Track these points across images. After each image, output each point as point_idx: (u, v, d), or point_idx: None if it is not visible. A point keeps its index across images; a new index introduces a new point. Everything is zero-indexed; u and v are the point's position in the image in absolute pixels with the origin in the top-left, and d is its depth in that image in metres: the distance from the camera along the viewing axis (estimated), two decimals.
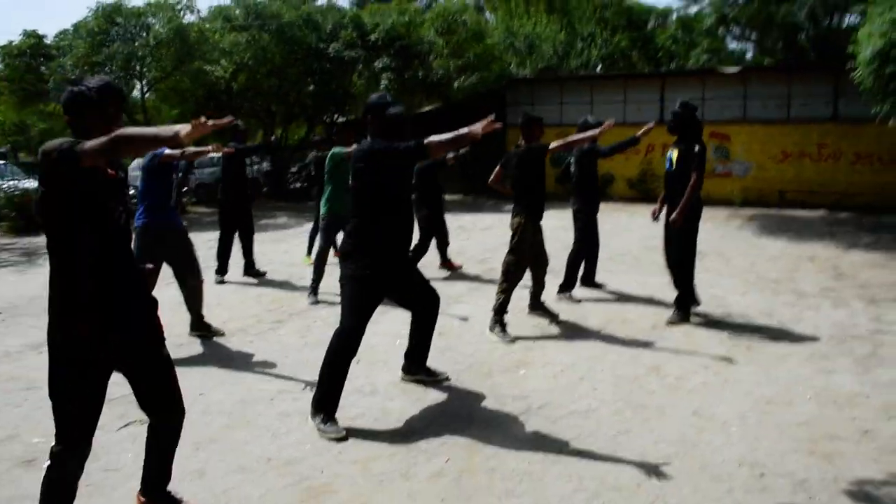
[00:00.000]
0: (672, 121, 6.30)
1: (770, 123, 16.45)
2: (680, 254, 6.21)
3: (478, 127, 3.97)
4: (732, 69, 17.29)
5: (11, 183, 14.98)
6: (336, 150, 7.55)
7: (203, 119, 2.50)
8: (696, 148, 6.06)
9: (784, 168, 16.25)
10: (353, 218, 4.38)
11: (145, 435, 3.76)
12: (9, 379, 5.07)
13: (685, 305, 6.31)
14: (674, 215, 6.02)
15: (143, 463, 3.12)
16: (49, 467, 2.74)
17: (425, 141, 4.02)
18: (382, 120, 4.28)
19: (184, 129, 2.48)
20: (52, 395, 2.73)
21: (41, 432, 4.08)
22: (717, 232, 11.98)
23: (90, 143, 2.50)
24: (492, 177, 6.51)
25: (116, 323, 2.74)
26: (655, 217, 6.59)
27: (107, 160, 2.63)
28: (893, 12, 8.38)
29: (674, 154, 6.19)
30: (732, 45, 23.45)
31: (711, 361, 5.27)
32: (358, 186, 4.30)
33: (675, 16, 26.26)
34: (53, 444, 2.74)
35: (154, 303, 2.98)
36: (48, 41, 17.29)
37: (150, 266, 3.16)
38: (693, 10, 23.41)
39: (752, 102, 16.79)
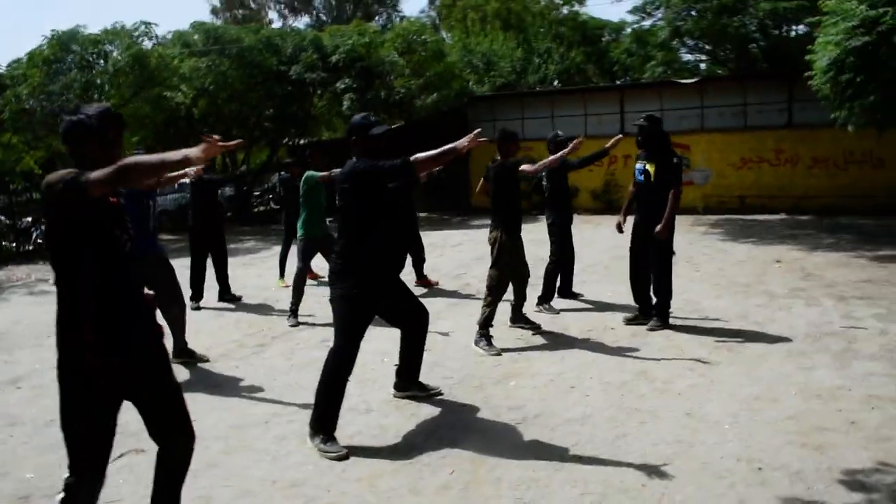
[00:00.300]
0: (639, 134, 6.45)
1: (728, 131, 16.85)
2: (659, 261, 6.33)
3: (463, 141, 4.04)
4: (689, 80, 17.70)
5: None
6: (310, 173, 7.56)
7: (216, 138, 2.52)
8: (675, 160, 6.28)
9: (743, 174, 16.63)
10: (340, 238, 4.40)
11: (143, 464, 3.75)
12: None
13: (665, 311, 6.43)
14: (660, 228, 6.14)
15: (151, 492, 3.07)
16: (63, 499, 2.72)
17: (411, 159, 4.06)
18: (367, 140, 4.31)
19: (193, 152, 2.49)
20: (63, 425, 2.71)
21: (31, 468, 4.03)
22: (683, 239, 12.17)
23: (96, 175, 2.49)
24: (478, 189, 6.65)
25: (120, 348, 2.72)
26: (621, 229, 6.73)
27: (113, 189, 2.63)
28: (847, 22, 8.70)
29: (650, 167, 6.30)
30: (686, 56, 23.93)
31: (695, 364, 5.39)
32: (344, 207, 4.32)
33: (629, 30, 26.73)
34: (66, 475, 2.71)
35: (160, 330, 2.97)
36: (1, 71, 16.96)
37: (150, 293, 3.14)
38: (647, 23, 23.87)
39: (709, 112, 17.20)
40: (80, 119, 2.73)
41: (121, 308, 2.74)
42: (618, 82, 26.76)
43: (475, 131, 4.10)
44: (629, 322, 6.63)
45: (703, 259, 10.23)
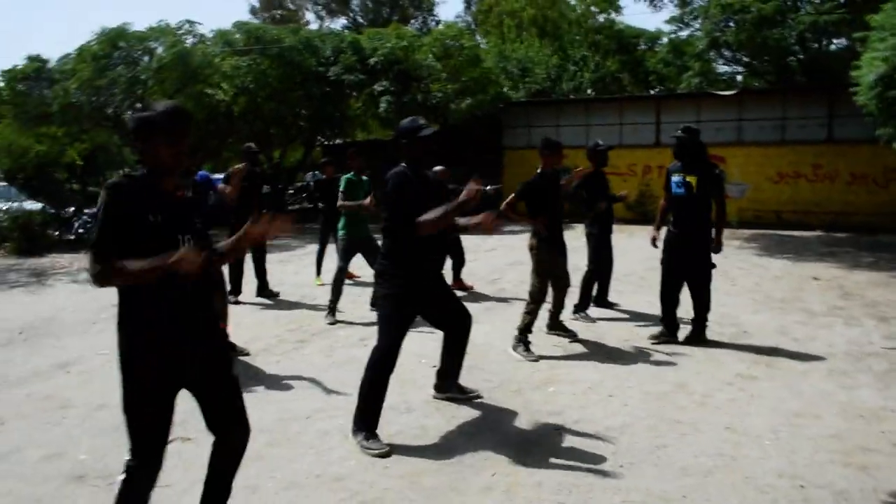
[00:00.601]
0: (677, 146, 6.38)
1: (765, 145, 16.74)
2: (702, 274, 6.32)
3: (462, 198, 3.95)
4: (728, 92, 17.60)
5: (14, 205, 15.02)
6: (346, 177, 7.67)
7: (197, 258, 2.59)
8: (717, 171, 6.30)
9: (780, 189, 16.51)
10: (385, 239, 4.46)
11: (191, 451, 3.84)
12: (44, 398, 5.11)
13: (703, 324, 6.41)
14: (716, 243, 6.30)
15: (204, 479, 3.15)
16: (124, 480, 2.80)
17: (417, 220, 4.07)
18: (415, 144, 4.34)
19: (180, 263, 2.53)
20: (124, 409, 2.79)
21: (85, 449, 4.16)
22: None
23: (92, 262, 2.56)
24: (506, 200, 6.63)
25: (171, 342, 2.77)
26: (656, 243, 6.68)
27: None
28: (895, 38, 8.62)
29: (690, 179, 6.21)
30: (723, 68, 23.75)
31: (734, 378, 5.38)
32: (389, 209, 4.38)
33: (665, 40, 26.60)
34: (128, 457, 2.79)
35: (218, 325, 3.04)
36: (52, 66, 17.37)
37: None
38: (684, 34, 23.74)
39: (747, 125, 17.10)
40: (148, 116, 2.76)
41: (177, 305, 2.78)
42: (652, 92, 26.65)
43: (474, 187, 3.98)
44: (655, 340, 6.48)
45: (739, 273, 10.18)
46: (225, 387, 3.00)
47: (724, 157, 16.75)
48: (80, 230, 15.09)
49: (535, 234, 6.23)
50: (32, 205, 15.96)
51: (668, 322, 6.50)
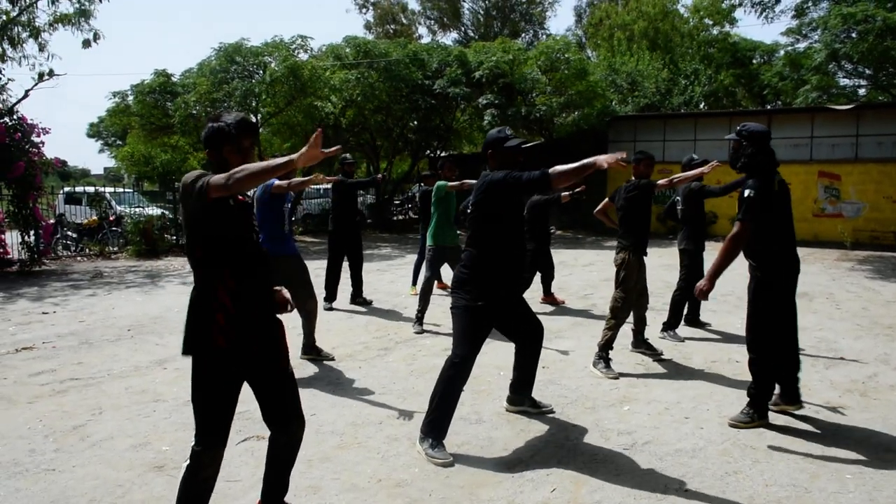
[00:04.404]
0: (747, 157, 4.67)
1: (885, 162, 15.81)
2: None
3: (603, 158, 3.82)
4: (844, 106, 16.75)
5: (137, 210, 16.05)
6: (440, 183, 7.80)
7: (315, 140, 2.68)
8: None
9: None
10: (467, 248, 4.50)
11: (263, 449, 4.02)
12: (140, 392, 5.48)
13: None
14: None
15: (263, 474, 3.31)
16: (188, 465, 2.98)
17: (549, 171, 3.98)
18: (501, 154, 4.39)
19: (295, 156, 2.66)
20: (193, 397, 2.98)
21: (168, 441, 4.43)
22: (826, 274, 11.57)
23: (214, 179, 2.69)
24: (598, 207, 6.61)
25: (243, 336, 2.93)
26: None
27: (228, 193, 2.75)
28: None
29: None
30: (844, 81, 22.59)
31: (823, 407, 5.14)
32: (475, 217, 4.43)
33: (781, 52, 25.58)
34: (194, 443, 2.97)
35: (279, 323, 3.18)
36: (175, 79, 18.53)
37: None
38: (801, 46, 22.78)
39: (864, 140, 16.22)
40: (220, 126, 2.93)
41: (245, 300, 2.94)
42: (769, 107, 25.67)
43: (620, 153, 3.88)
44: (776, 407, 4.96)
45: (847, 297, 9.67)
46: (281, 383, 3.12)
47: (839, 174, 15.97)
48: None
49: (626, 247, 6.16)
50: (153, 210, 17.02)
51: (789, 383, 4.95)
